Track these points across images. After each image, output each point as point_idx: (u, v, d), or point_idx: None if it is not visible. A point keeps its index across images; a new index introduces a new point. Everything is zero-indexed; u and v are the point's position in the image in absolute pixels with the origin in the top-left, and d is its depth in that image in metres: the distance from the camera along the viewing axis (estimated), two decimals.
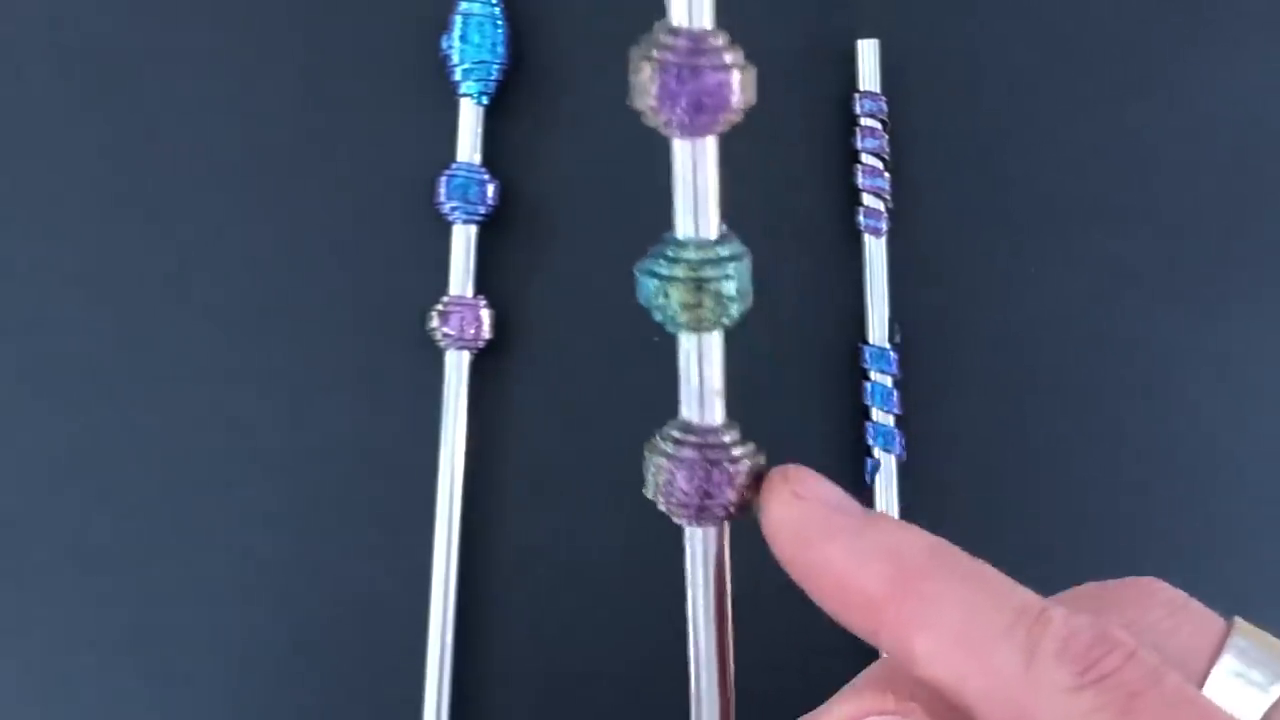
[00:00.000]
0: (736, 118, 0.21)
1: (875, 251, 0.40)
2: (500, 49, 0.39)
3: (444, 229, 0.39)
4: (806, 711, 0.24)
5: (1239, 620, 0.23)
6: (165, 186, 0.39)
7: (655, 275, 0.22)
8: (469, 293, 0.39)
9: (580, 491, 0.39)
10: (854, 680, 0.25)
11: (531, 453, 0.39)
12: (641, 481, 0.24)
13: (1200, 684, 0.22)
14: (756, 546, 0.24)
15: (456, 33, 0.39)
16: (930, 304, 0.40)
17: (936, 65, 0.41)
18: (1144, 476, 0.40)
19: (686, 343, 0.23)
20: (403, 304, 0.39)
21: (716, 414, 0.23)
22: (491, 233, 0.39)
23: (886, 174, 0.40)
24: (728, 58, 0.21)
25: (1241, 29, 0.41)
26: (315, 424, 0.39)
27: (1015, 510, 0.39)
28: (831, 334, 0.40)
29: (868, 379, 0.39)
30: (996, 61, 0.41)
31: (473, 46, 0.39)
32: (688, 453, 0.23)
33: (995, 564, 0.24)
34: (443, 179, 0.39)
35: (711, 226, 0.22)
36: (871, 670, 0.25)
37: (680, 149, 0.21)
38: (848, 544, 0.23)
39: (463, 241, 0.39)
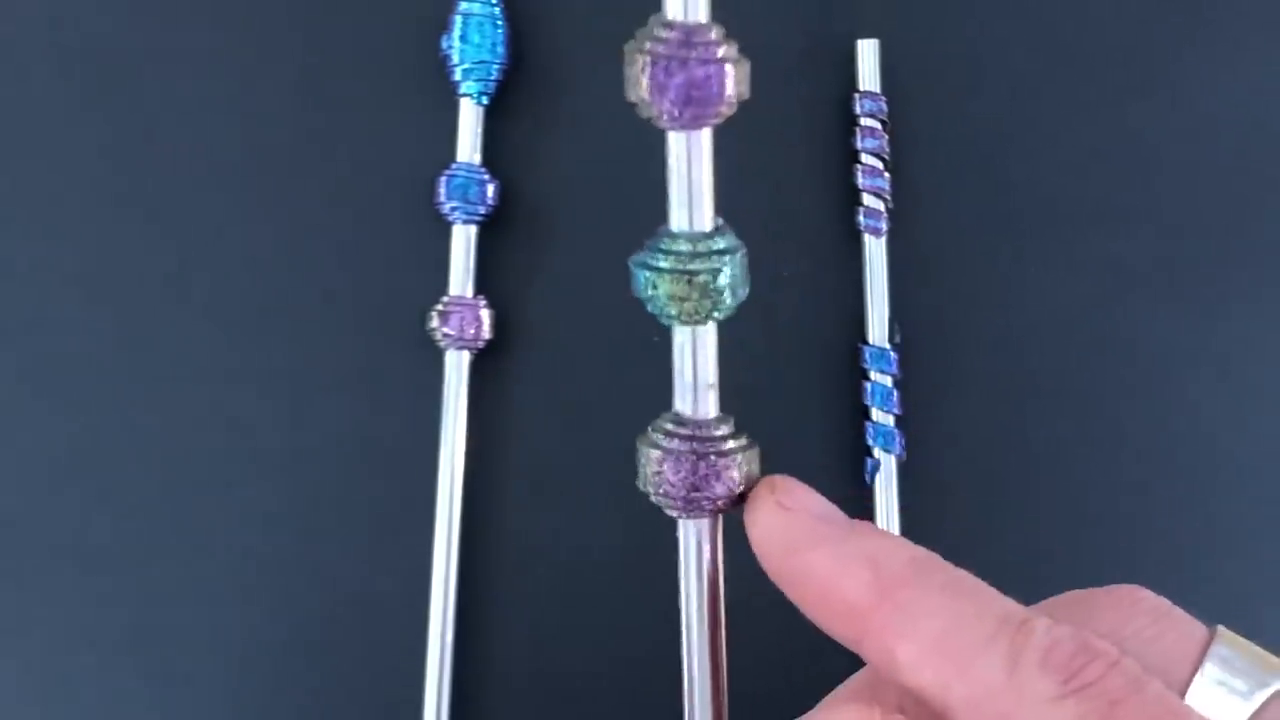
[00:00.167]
0: (729, 110, 0.21)
1: (875, 251, 0.40)
2: (500, 49, 0.39)
3: (444, 229, 0.39)
4: (800, 711, 0.24)
5: (1221, 629, 0.23)
6: (165, 186, 0.39)
7: (647, 267, 0.22)
8: (469, 293, 0.39)
9: (580, 491, 0.39)
10: (837, 690, 0.25)
11: (531, 453, 0.39)
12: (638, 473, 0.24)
13: (1183, 692, 0.22)
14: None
15: (456, 33, 0.39)
16: (930, 304, 0.40)
17: (936, 65, 0.41)
18: (1144, 476, 0.40)
19: (680, 335, 0.23)
20: (403, 304, 0.39)
21: (709, 407, 0.23)
22: (491, 233, 0.39)
23: (886, 174, 0.40)
24: (719, 50, 0.21)
25: (1241, 30, 0.41)
26: (315, 424, 0.39)
27: (1015, 510, 0.39)
28: (831, 334, 0.40)
29: (868, 379, 0.39)
30: (996, 61, 0.41)
31: (473, 46, 0.39)
32: (677, 444, 0.23)
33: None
34: (443, 179, 0.39)
35: (705, 219, 0.22)
36: (854, 680, 0.25)
37: (674, 141, 0.22)
38: (831, 552, 0.23)
39: (463, 241, 0.39)
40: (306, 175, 0.40)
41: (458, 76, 0.39)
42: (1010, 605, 0.22)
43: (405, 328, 0.39)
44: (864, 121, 0.40)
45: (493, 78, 0.39)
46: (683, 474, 0.23)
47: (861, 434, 0.39)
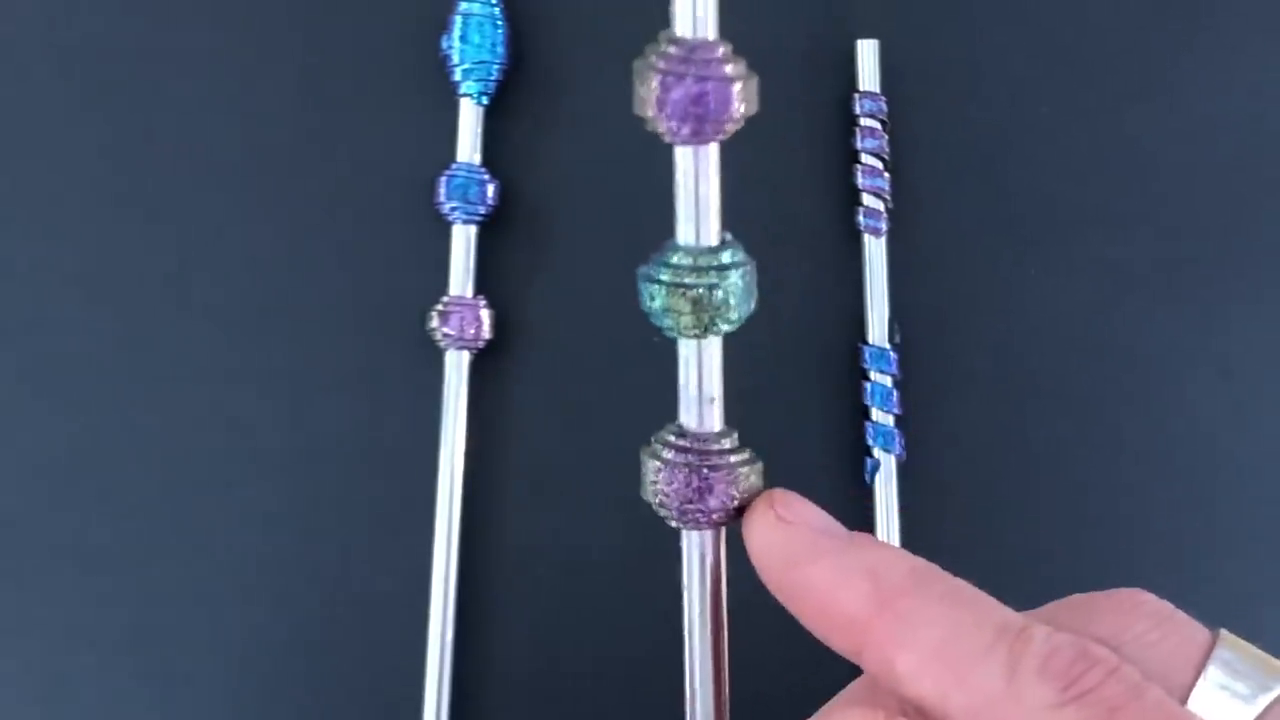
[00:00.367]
0: (736, 126, 0.21)
1: (875, 251, 0.40)
2: (500, 49, 0.39)
3: (444, 229, 0.39)
4: (801, 717, 0.24)
5: (1224, 632, 0.23)
6: (165, 186, 0.39)
7: (654, 281, 0.22)
8: (469, 293, 0.39)
9: (580, 491, 0.39)
10: (838, 696, 0.25)
11: (531, 453, 0.39)
12: (640, 482, 0.24)
13: (1185, 697, 0.22)
14: None
15: (456, 33, 0.39)
16: (930, 304, 0.40)
17: (936, 65, 0.41)
18: (1144, 477, 0.40)
19: (685, 349, 0.23)
20: (403, 304, 0.39)
21: (713, 420, 0.24)
22: (491, 233, 0.39)
23: (886, 174, 0.40)
24: (729, 68, 0.21)
25: (1240, 32, 0.41)
26: (315, 424, 0.39)
27: (1015, 510, 0.39)
28: (831, 334, 0.40)
29: (868, 379, 0.39)
30: (997, 62, 0.41)
31: (473, 46, 0.39)
32: (678, 457, 0.23)
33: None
34: (443, 179, 0.39)
35: (712, 233, 0.22)
36: (855, 686, 0.25)
37: (682, 156, 0.22)
38: (830, 564, 0.23)
39: (463, 241, 0.39)
40: (306, 175, 0.40)
41: (458, 76, 0.39)
42: (1009, 614, 0.22)
43: (405, 328, 0.39)
44: (864, 122, 0.40)
45: (493, 78, 0.39)
46: (676, 485, 0.23)
47: (861, 434, 0.39)
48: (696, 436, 0.24)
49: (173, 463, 0.38)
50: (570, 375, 0.40)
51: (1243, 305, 0.40)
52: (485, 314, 0.39)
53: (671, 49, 0.21)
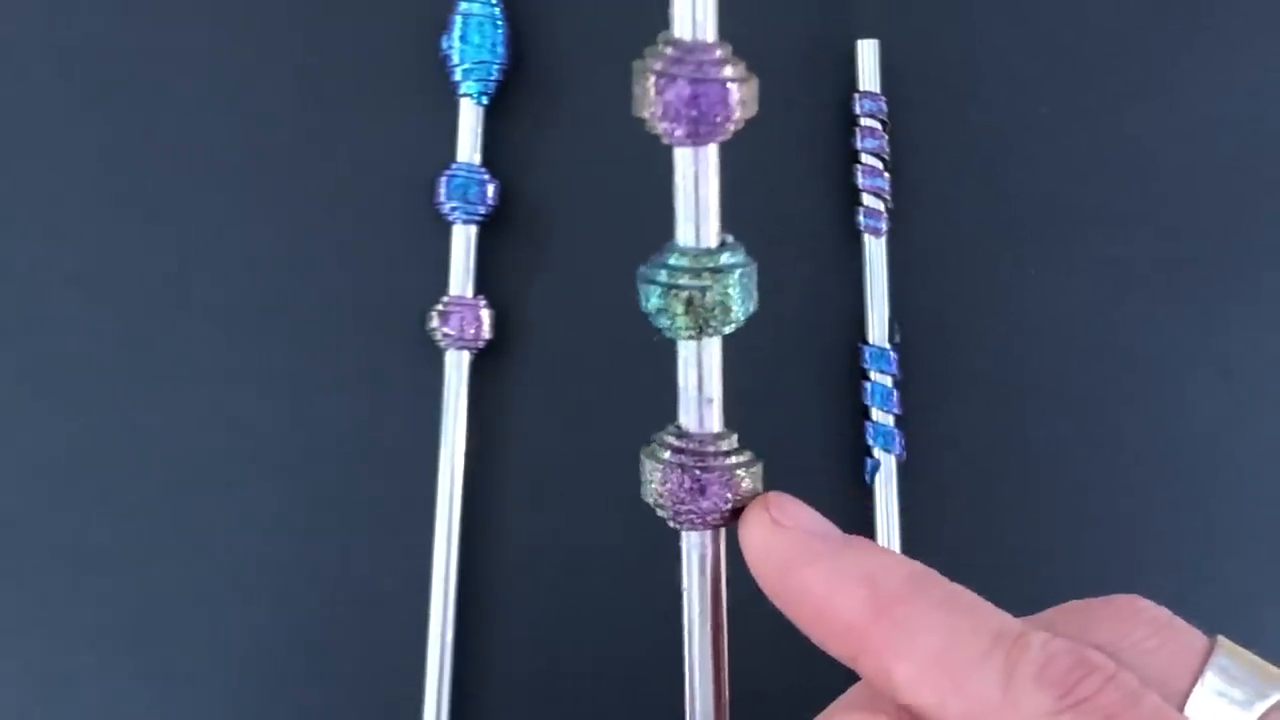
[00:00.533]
0: (735, 127, 0.21)
1: (875, 251, 0.40)
2: (500, 49, 0.39)
3: (444, 229, 0.39)
4: (800, 717, 0.24)
5: (1221, 639, 0.23)
6: (165, 186, 0.39)
7: (654, 283, 0.22)
8: (469, 293, 0.39)
9: (580, 491, 0.39)
10: (837, 701, 0.25)
11: (531, 453, 0.39)
12: (640, 481, 0.24)
13: (1182, 703, 0.22)
14: None
15: (456, 33, 0.39)
16: (930, 304, 0.40)
17: (936, 65, 0.41)
18: (1143, 477, 0.40)
19: (684, 350, 0.23)
20: (403, 304, 0.39)
21: (713, 422, 0.24)
22: (491, 233, 0.39)
23: (886, 174, 0.40)
24: (728, 70, 0.21)
25: (1240, 32, 0.41)
26: (315, 424, 0.39)
27: (1015, 510, 0.39)
28: (831, 334, 0.40)
29: (868, 379, 0.39)
30: (996, 62, 0.41)
31: (473, 46, 0.39)
32: (677, 458, 0.23)
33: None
34: (443, 179, 0.39)
35: (712, 235, 0.22)
36: (853, 694, 0.25)
37: (681, 158, 0.22)
38: (826, 569, 0.23)
39: (463, 241, 0.39)
40: (306, 175, 0.40)
41: (458, 76, 0.39)
42: (1006, 620, 0.22)
43: (405, 328, 0.39)
44: (864, 121, 0.40)
45: (493, 78, 0.39)
46: (670, 486, 0.23)
47: (861, 434, 0.39)
48: (695, 438, 0.24)
49: (173, 463, 0.38)
50: (570, 375, 0.40)
51: (1243, 305, 0.40)
52: (485, 314, 0.39)
53: (668, 50, 0.21)
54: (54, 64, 0.40)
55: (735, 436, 0.24)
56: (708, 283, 0.22)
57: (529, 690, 0.38)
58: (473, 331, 0.38)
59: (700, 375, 0.23)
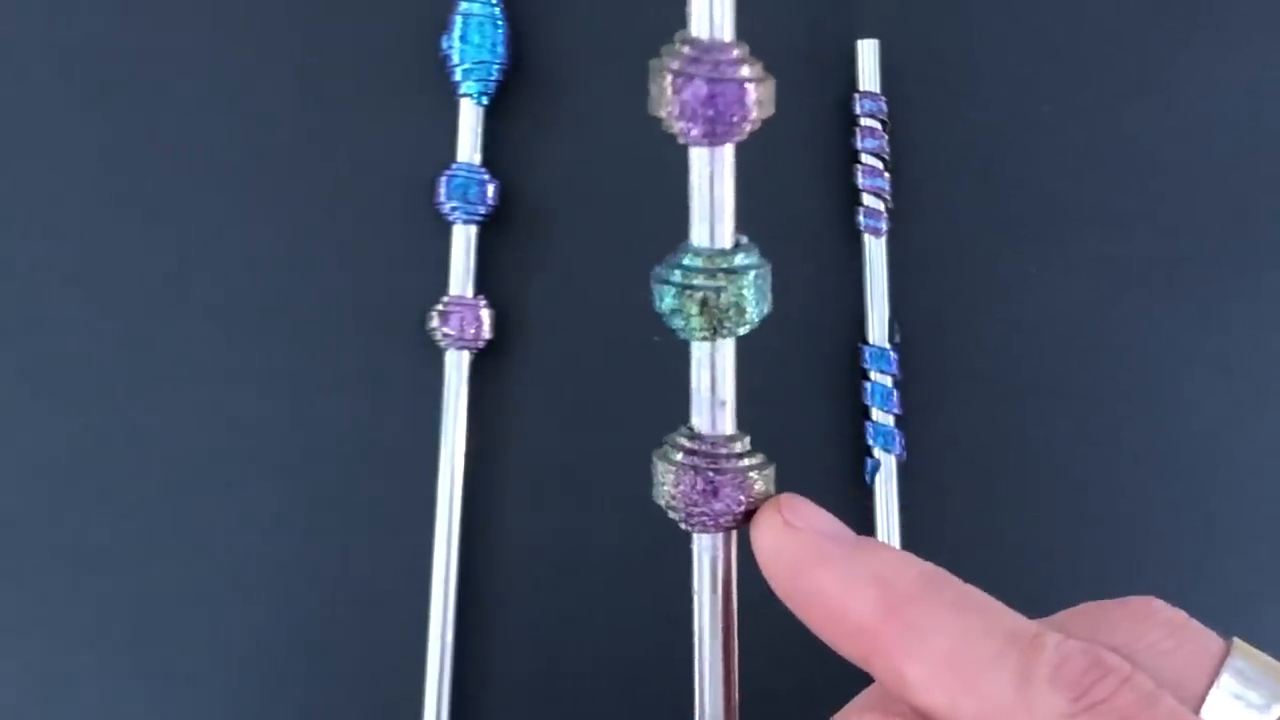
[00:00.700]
0: (752, 128, 0.21)
1: (875, 251, 0.40)
2: (500, 49, 0.39)
3: (444, 229, 0.39)
4: (811, 718, 0.24)
5: (1237, 641, 0.22)
6: (165, 186, 0.39)
7: (668, 283, 0.22)
8: (469, 293, 0.39)
9: (580, 491, 0.39)
10: (848, 707, 0.25)
11: (531, 453, 0.39)
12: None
13: (1198, 706, 0.22)
14: None
15: (456, 33, 0.39)
16: (930, 304, 0.40)
17: (936, 65, 0.41)
18: (1143, 476, 0.40)
19: (698, 351, 0.23)
20: (403, 304, 0.39)
21: (725, 424, 0.23)
22: (491, 233, 0.39)
23: (886, 174, 0.40)
24: (745, 69, 0.21)
25: (1238, 31, 0.41)
26: (315, 424, 0.39)
27: (1015, 510, 0.39)
28: (831, 334, 0.40)
29: (868, 379, 0.39)
30: (996, 62, 0.41)
31: (473, 46, 0.39)
32: (691, 460, 0.23)
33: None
34: (443, 179, 0.39)
35: (726, 235, 0.22)
36: (866, 696, 0.25)
37: (697, 158, 0.22)
38: (838, 570, 0.23)
39: (463, 241, 0.39)
40: (306, 175, 0.40)
41: (458, 76, 0.39)
42: (1020, 621, 0.22)
43: (405, 328, 0.39)
44: (864, 121, 0.40)
45: (493, 78, 0.39)
46: (684, 488, 0.23)
47: (861, 434, 0.39)
48: (707, 439, 0.23)
49: (173, 463, 0.38)
50: (570, 375, 0.40)
51: (1242, 304, 0.40)
52: (485, 314, 0.39)
53: (685, 49, 0.21)
54: (54, 64, 0.40)
55: (748, 438, 0.24)
56: (723, 283, 0.22)
57: (529, 690, 0.38)
58: (473, 331, 0.38)
59: (713, 377, 0.23)
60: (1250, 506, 0.40)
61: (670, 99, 0.21)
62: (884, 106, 0.40)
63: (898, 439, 0.39)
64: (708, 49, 0.21)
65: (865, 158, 0.40)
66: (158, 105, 0.40)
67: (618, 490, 0.38)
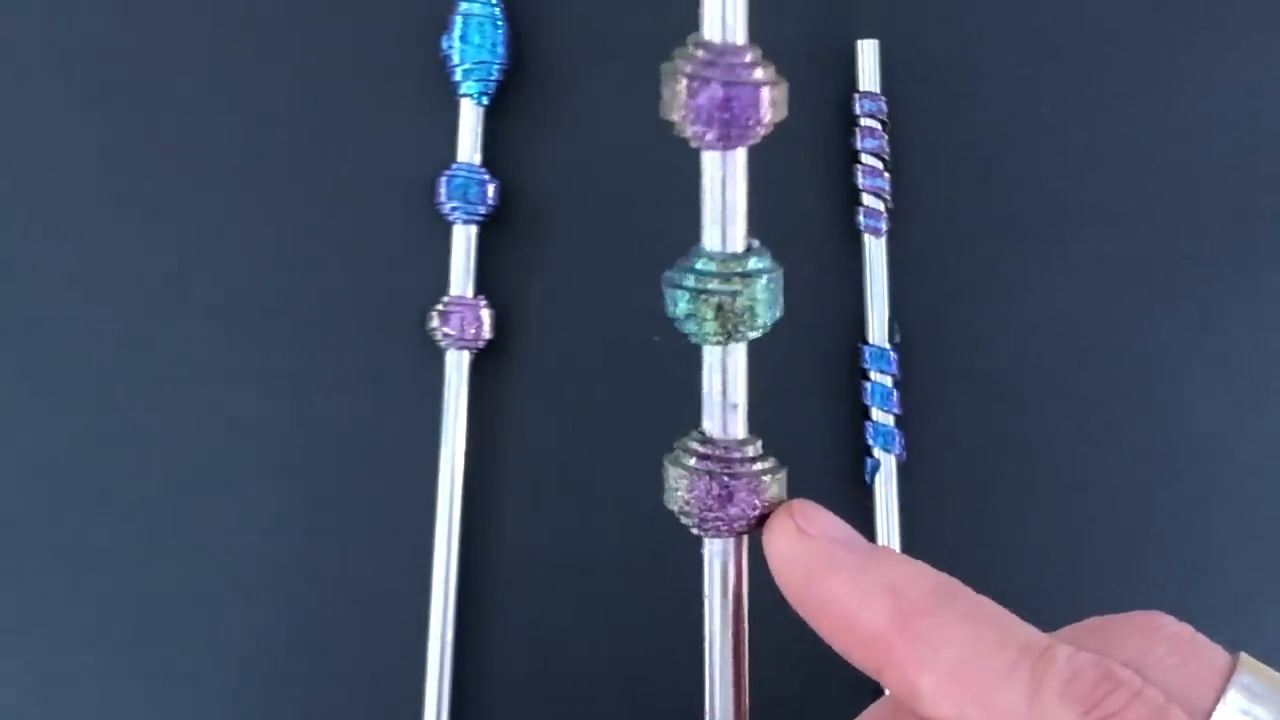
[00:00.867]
0: (765, 131, 0.21)
1: (875, 251, 0.40)
2: (500, 49, 0.39)
3: (444, 229, 0.39)
4: None
5: (1244, 656, 0.22)
6: (165, 186, 0.39)
7: (681, 287, 0.22)
8: (469, 293, 0.39)
9: (580, 491, 0.39)
10: (862, 716, 0.25)
11: (531, 453, 0.39)
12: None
13: None
14: None
15: (456, 33, 0.39)
16: (930, 304, 0.40)
17: (936, 65, 0.41)
18: (1143, 476, 0.40)
19: (710, 355, 0.23)
20: (403, 304, 0.39)
21: (738, 428, 0.23)
22: (491, 233, 0.39)
23: (886, 174, 0.40)
24: (759, 72, 0.21)
25: (1238, 31, 0.41)
26: (315, 424, 0.39)
27: (1015, 510, 0.39)
28: (831, 334, 0.40)
29: (868, 379, 0.39)
30: (996, 62, 0.41)
31: (473, 46, 0.39)
32: (705, 465, 0.23)
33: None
34: (443, 179, 0.39)
35: (739, 239, 0.22)
36: (877, 709, 0.25)
37: (710, 161, 0.21)
38: (851, 580, 0.23)
39: (463, 241, 0.39)
40: (306, 175, 0.40)
41: (458, 76, 0.39)
42: (1032, 633, 0.22)
43: (405, 328, 0.39)
44: (864, 121, 0.40)
45: (493, 78, 0.39)
46: (698, 493, 0.23)
47: (861, 434, 0.39)
48: (720, 444, 0.23)
49: (173, 463, 0.38)
50: (570, 375, 0.40)
51: (1241, 303, 0.40)
52: (485, 314, 0.39)
53: (699, 52, 0.20)
54: (54, 64, 0.40)
55: (760, 442, 0.24)
56: (737, 287, 0.22)
57: (529, 690, 0.38)
58: (473, 331, 0.38)
59: (725, 380, 0.23)
60: (1250, 507, 0.40)
61: (684, 103, 0.20)
62: (884, 106, 0.40)
63: (898, 439, 0.39)
64: (722, 52, 0.20)
65: (865, 158, 0.40)
66: (158, 105, 0.40)
67: (618, 490, 0.38)
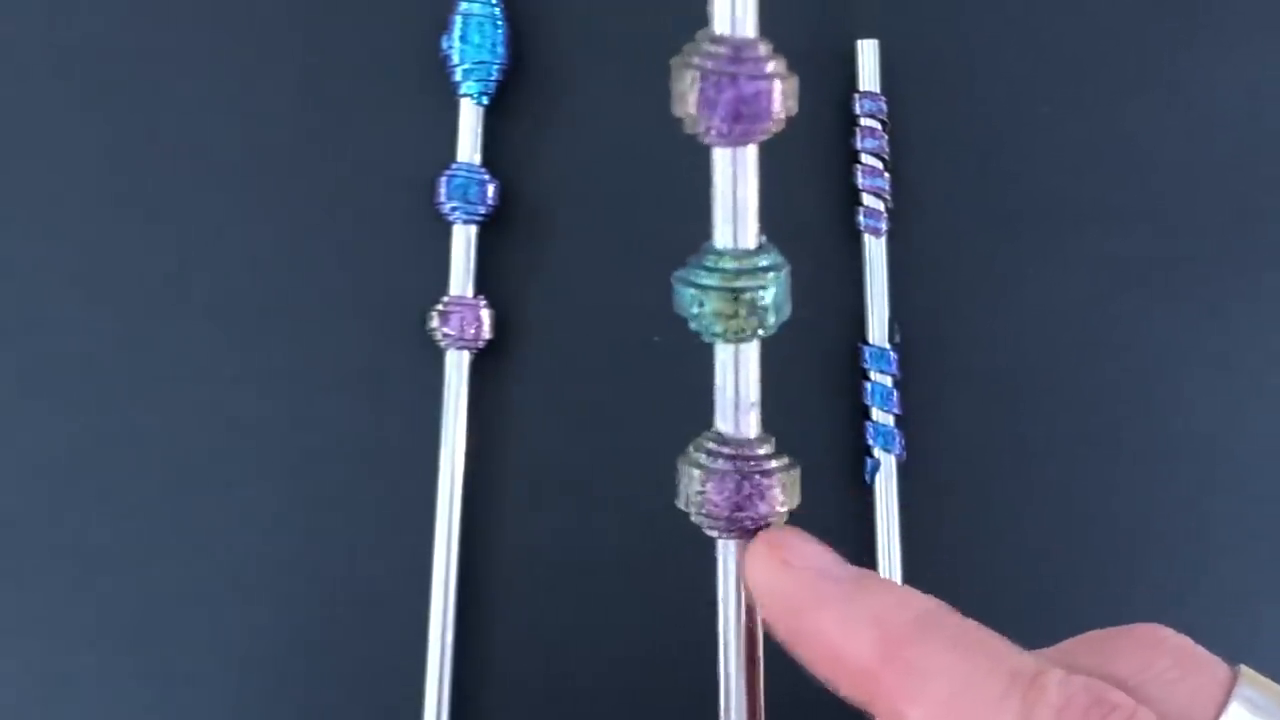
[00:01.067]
0: (777, 127, 0.21)
1: (875, 251, 0.40)
2: (500, 49, 0.39)
3: (444, 229, 0.39)
4: None
5: (1244, 669, 0.22)
6: (165, 186, 0.39)
7: (692, 285, 0.22)
8: (469, 293, 0.39)
9: (580, 491, 0.39)
10: None
11: (531, 453, 0.39)
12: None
13: None
14: None
15: (456, 33, 0.39)
16: (930, 304, 0.40)
17: (936, 65, 0.41)
18: (1143, 476, 0.40)
19: (722, 353, 0.23)
20: (403, 304, 0.39)
21: (751, 426, 0.23)
22: (491, 233, 0.39)
23: (886, 174, 0.40)
24: (769, 67, 0.20)
25: (1238, 29, 0.41)
26: (315, 424, 0.39)
27: (1014, 510, 0.39)
28: (831, 334, 0.40)
29: (868, 379, 0.39)
30: (995, 62, 0.41)
31: (473, 46, 0.39)
32: (721, 464, 0.23)
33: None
34: (443, 179, 0.39)
35: (750, 236, 0.22)
36: None
37: (720, 158, 0.21)
38: (836, 613, 0.22)
39: (463, 241, 0.39)
40: (306, 175, 0.40)
41: (458, 76, 0.39)
42: (1022, 658, 0.21)
43: (405, 328, 0.39)
44: (864, 121, 0.40)
45: (493, 78, 0.39)
46: (726, 494, 0.23)
47: (861, 434, 0.39)
48: (738, 443, 0.23)
49: (173, 463, 0.38)
50: (570, 375, 0.40)
51: (1241, 302, 0.40)
52: (485, 314, 0.39)
53: (718, 49, 0.20)
54: (54, 64, 0.40)
55: (773, 440, 0.23)
56: (748, 284, 0.22)
57: (529, 690, 0.38)
58: (473, 331, 0.38)
59: (738, 379, 0.23)
60: (1249, 506, 0.40)
61: (695, 98, 0.20)
62: (884, 106, 0.40)
63: (898, 439, 0.39)
64: (739, 47, 0.20)
65: (865, 158, 0.40)
66: (158, 105, 0.40)
67: (618, 490, 0.38)
